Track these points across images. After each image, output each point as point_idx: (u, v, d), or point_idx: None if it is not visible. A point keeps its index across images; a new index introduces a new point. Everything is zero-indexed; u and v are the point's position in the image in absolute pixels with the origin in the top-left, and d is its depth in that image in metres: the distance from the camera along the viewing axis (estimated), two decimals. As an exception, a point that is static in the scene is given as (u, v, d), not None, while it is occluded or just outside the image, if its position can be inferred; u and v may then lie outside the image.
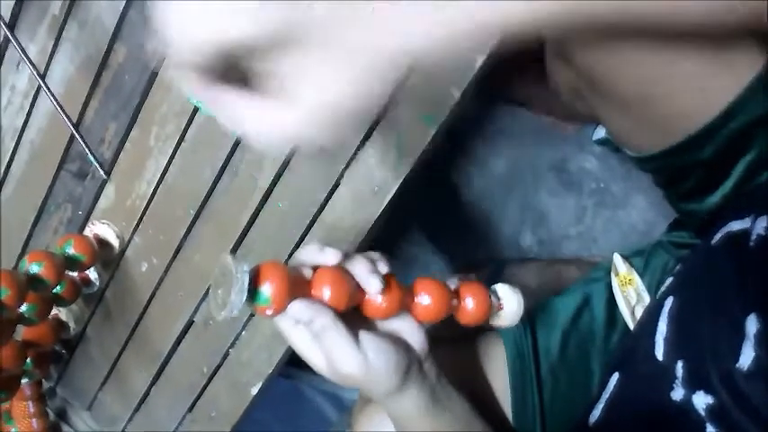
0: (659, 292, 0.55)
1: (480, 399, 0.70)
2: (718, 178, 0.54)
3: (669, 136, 0.52)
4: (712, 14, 0.35)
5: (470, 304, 0.53)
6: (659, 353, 0.47)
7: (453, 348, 0.73)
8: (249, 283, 0.43)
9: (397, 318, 0.51)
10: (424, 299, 0.51)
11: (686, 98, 0.49)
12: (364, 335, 0.48)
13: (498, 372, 0.71)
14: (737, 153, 0.52)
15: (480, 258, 1.21)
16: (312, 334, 0.47)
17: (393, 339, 0.50)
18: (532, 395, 0.70)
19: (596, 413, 0.51)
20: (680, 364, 0.44)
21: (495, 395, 0.71)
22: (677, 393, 0.44)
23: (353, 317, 0.49)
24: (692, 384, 0.43)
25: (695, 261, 0.51)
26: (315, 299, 0.47)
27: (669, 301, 0.49)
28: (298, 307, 0.45)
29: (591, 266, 1.04)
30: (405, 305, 0.50)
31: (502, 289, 0.56)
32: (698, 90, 0.48)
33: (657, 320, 0.49)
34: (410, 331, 0.51)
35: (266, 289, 0.44)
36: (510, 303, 0.55)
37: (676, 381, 0.44)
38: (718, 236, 0.49)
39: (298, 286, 0.46)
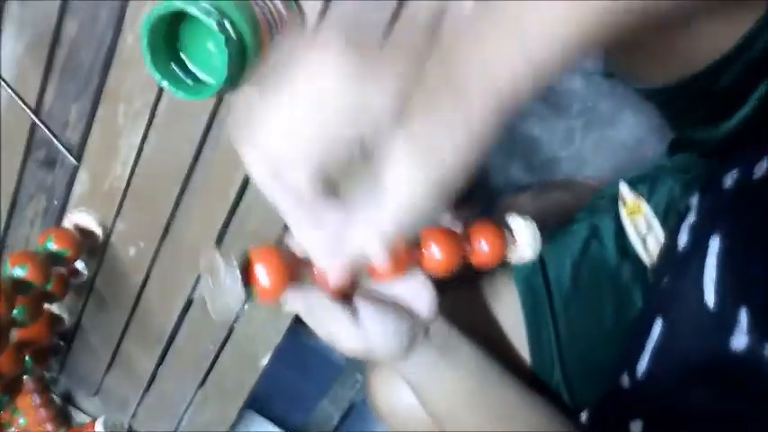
0: (683, 229, 0.53)
1: (495, 340, 0.69)
2: (734, 106, 0.52)
3: (684, 68, 0.48)
4: None
5: (485, 247, 0.50)
6: (710, 298, 0.45)
7: (463, 290, 0.72)
8: (243, 280, 0.41)
9: (404, 277, 0.48)
10: (435, 252, 0.47)
11: (704, 30, 0.45)
12: (364, 310, 0.46)
13: (511, 310, 0.70)
14: (755, 81, 0.49)
15: (471, 191, 1.19)
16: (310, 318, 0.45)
17: (396, 308, 0.47)
18: (548, 329, 0.69)
19: (643, 364, 0.50)
20: (744, 312, 0.42)
21: (509, 334, 0.70)
22: (739, 342, 0.42)
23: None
24: (764, 333, 0.40)
25: (736, 196, 0.48)
26: (315, 279, 0.44)
27: (715, 242, 0.46)
28: (290, 299, 0.44)
29: (585, 189, 1.03)
30: (413, 261, 0.47)
31: (514, 221, 0.52)
32: (717, 21, 0.45)
33: (703, 262, 0.46)
34: (417, 292, 0.49)
35: (261, 279, 0.41)
36: (525, 236, 0.52)
37: (738, 328, 0.42)
38: (761, 169, 0.46)
39: (294, 269, 0.43)
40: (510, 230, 0.52)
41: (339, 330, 0.45)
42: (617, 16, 0.33)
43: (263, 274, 0.41)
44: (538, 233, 0.52)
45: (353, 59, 0.32)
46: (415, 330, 0.48)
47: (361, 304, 0.46)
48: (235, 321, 0.73)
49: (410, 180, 0.33)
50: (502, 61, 0.32)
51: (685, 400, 0.45)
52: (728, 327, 0.42)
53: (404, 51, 0.32)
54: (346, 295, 0.46)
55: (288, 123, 0.33)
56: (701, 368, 0.45)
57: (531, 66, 0.32)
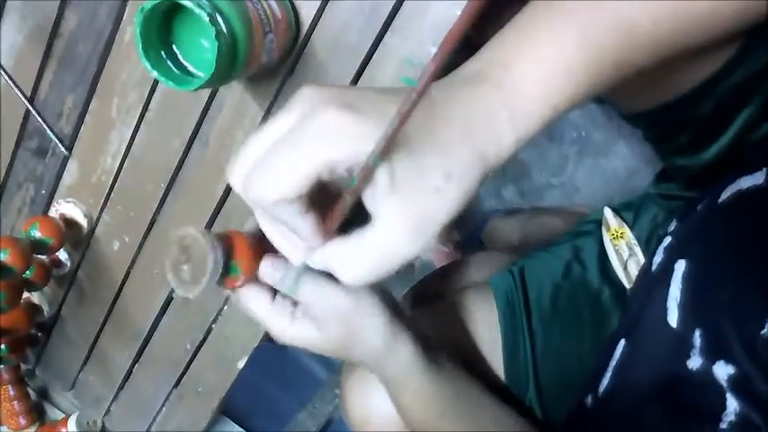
0: (658, 252, 0.53)
1: (472, 355, 0.69)
2: (714, 133, 0.52)
3: (666, 93, 0.49)
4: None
5: None
6: (672, 319, 0.45)
7: (445, 304, 0.72)
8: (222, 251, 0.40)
9: None
10: None
11: (685, 56, 0.46)
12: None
13: (490, 326, 0.70)
14: (736, 108, 0.49)
15: (463, 212, 1.19)
16: (291, 305, 0.43)
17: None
18: (524, 346, 0.69)
19: (605, 382, 0.50)
20: (698, 333, 0.42)
21: (486, 350, 0.70)
22: (694, 362, 0.42)
23: None
24: (712, 354, 0.41)
25: (704, 220, 0.49)
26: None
27: (681, 265, 0.46)
28: (267, 266, 0.42)
29: (575, 216, 1.03)
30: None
31: None
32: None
33: (669, 285, 0.46)
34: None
35: (239, 250, 0.41)
36: None
37: (693, 350, 0.42)
38: (726, 193, 0.47)
39: (265, 251, 0.43)
40: None
41: (329, 297, 0.42)
42: (604, 78, 0.35)
43: (240, 245, 0.41)
44: None
45: (346, 96, 0.32)
46: (395, 304, 0.46)
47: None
48: (213, 322, 0.73)
49: (393, 224, 0.32)
50: (487, 129, 0.33)
51: (641, 418, 0.45)
52: (687, 347, 0.42)
53: (395, 99, 0.32)
54: None
55: (262, 149, 0.33)
56: (658, 386, 0.45)
57: (516, 133, 0.34)
